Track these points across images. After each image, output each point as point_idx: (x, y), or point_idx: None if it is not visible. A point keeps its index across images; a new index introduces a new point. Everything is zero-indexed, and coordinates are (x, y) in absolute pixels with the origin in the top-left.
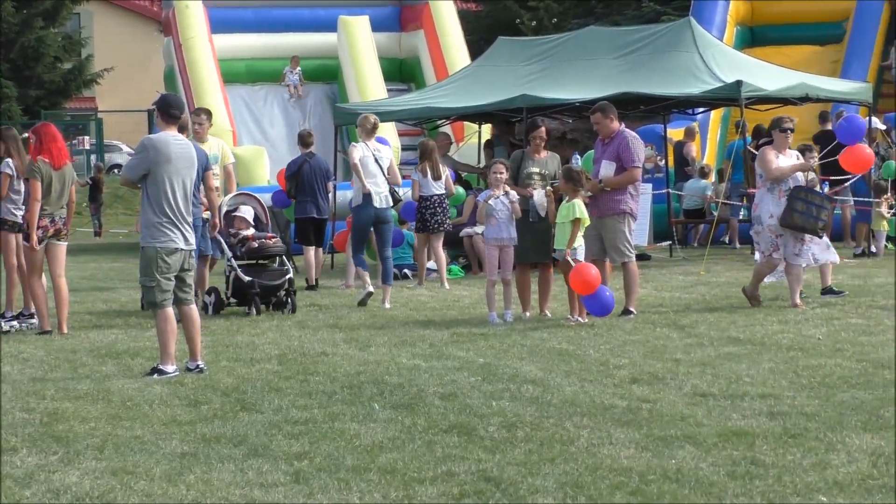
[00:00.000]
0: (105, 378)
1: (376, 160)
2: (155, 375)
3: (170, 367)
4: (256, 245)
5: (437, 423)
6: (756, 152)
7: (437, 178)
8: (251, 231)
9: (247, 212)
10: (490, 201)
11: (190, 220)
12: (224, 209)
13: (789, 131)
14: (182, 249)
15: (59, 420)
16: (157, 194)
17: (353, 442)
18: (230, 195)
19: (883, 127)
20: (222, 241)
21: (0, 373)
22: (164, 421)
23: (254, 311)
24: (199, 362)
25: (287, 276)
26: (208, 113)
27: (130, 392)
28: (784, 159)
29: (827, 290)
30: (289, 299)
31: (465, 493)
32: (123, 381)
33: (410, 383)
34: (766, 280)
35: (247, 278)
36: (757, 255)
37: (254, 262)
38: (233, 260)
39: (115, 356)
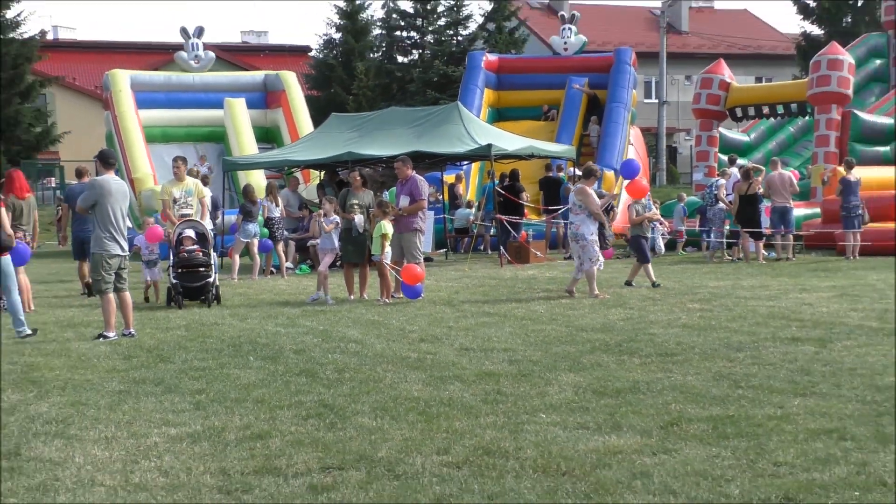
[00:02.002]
0: (66, 341)
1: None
2: (100, 339)
3: (111, 334)
4: (183, 257)
5: (292, 369)
6: (502, 191)
7: (277, 205)
8: (191, 246)
9: (190, 232)
10: (320, 221)
11: (125, 234)
12: (177, 231)
13: (599, 179)
14: (119, 255)
15: (33, 369)
16: (103, 217)
17: (235, 382)
18: (181, 221)
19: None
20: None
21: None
22: (107, 369)
23: (178, 305)
24: (131, 330)
25: (206, 280)
26: (184, 159)
27: (83, 350)
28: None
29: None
30: (213, 294)
31: (310, 414)
32: (79, 343)
33: (274, 343)
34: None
35: (174, 281)
36: (580, 265)
37: (182, 269)
38: (171, 268)
39: (73, 326)
